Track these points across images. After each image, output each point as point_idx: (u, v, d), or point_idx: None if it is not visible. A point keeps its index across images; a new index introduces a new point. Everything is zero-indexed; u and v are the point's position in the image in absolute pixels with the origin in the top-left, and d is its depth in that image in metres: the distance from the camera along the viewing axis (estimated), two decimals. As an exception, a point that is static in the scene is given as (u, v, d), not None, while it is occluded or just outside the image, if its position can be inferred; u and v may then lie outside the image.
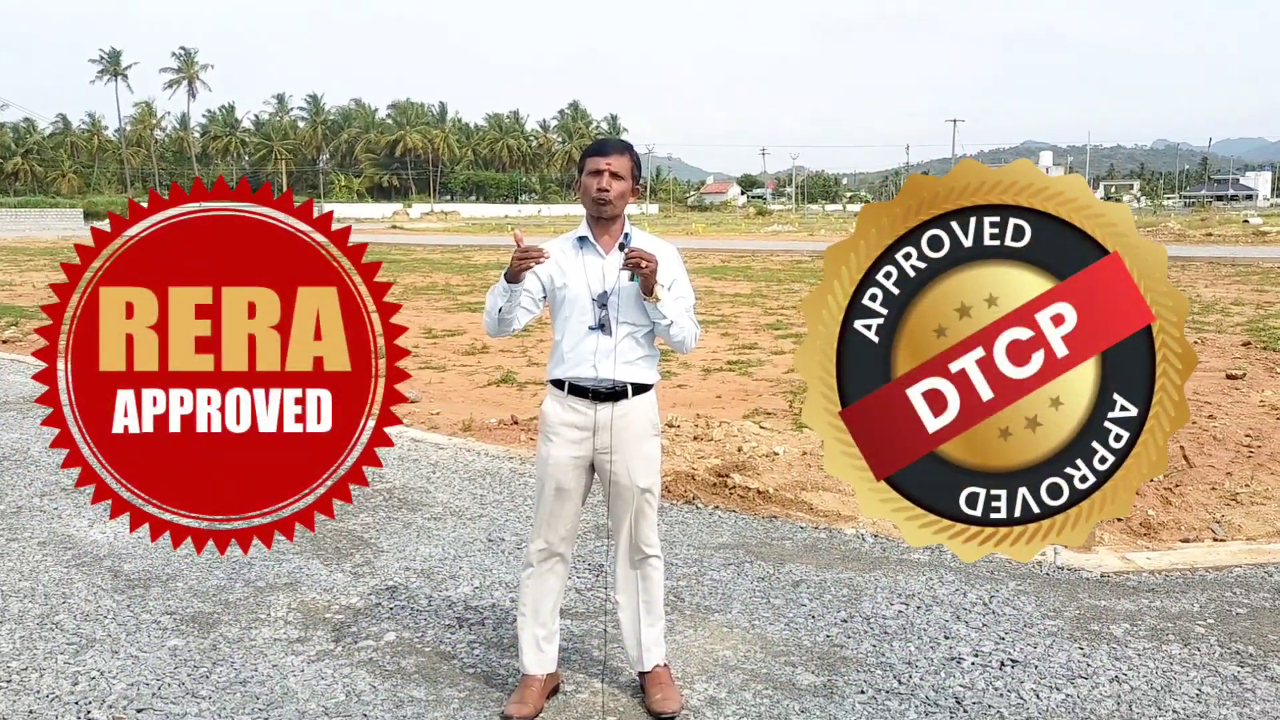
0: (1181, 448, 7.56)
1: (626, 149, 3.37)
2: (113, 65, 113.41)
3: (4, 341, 13.88)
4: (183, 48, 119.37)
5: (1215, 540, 5.58)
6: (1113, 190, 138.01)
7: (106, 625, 4.18)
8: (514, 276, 3.26)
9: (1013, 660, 3.83)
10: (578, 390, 3.36)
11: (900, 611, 4.32)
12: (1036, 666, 3.78)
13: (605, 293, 3.31)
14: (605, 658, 3.85)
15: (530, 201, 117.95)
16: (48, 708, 3.47)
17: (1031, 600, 4.45)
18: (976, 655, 3.87)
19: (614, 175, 3.30)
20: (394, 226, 71.03)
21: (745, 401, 9.46)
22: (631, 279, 3.25)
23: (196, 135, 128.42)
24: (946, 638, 4.04)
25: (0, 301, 19.17)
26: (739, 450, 7.47)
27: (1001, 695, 3.55)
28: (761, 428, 8.38)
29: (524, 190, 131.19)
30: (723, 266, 28.14)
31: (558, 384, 3.40)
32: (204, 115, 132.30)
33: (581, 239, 3.40)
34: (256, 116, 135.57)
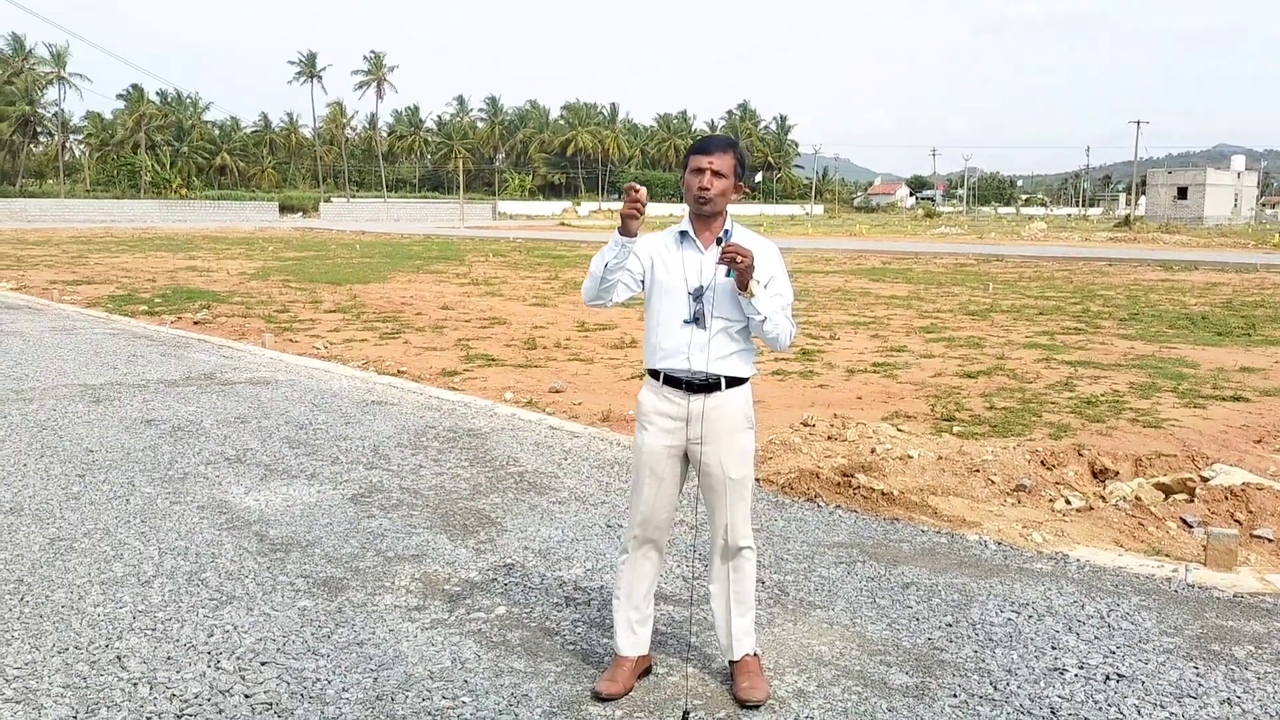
0: (1353, 469, 7.05)
1: (730, 147, 3.44)
2: (309, 67, 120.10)
3: (196, 323, 14.99)
4: (373, 51, 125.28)
5: (1375, 568, 5.21)
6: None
7: (246, 584, 4.54)
8: (627, 229, 3.31)
9: (1119, 675, 3.71)
10: (672, 381, 3.46)
11: (1010, 620, 4.23)
12: (1144, 683, 3.65)
13: (702, 287, 3.39)
14: (688, 645, 3.93)
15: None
16: (183, 655, 3.81)
17: (1153, 616, 4.28)
18: (1081, 667, 3.77)
19: (715, 174, 3.38)
20: (562, 224, 72.72)
21: (886, 404, 9.34)
22: (728, 274, 3.32)
23: (384, 134, 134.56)
24: (1053, 648, 3.95)
25: (197, 286, 20.69)
26: (871, 452, 7.39)
27: (1100, 709, 3.45)
28: (899, 430, 8.27)
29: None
30: (882, 268, 27.66)
31: (654, 374, 3.51)
32: (391, 115, 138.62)
33: (683, 234, 3.49)
34: (439, 117, 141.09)
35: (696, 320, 3.39)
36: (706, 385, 3.43)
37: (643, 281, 3.53)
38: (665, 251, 3.49)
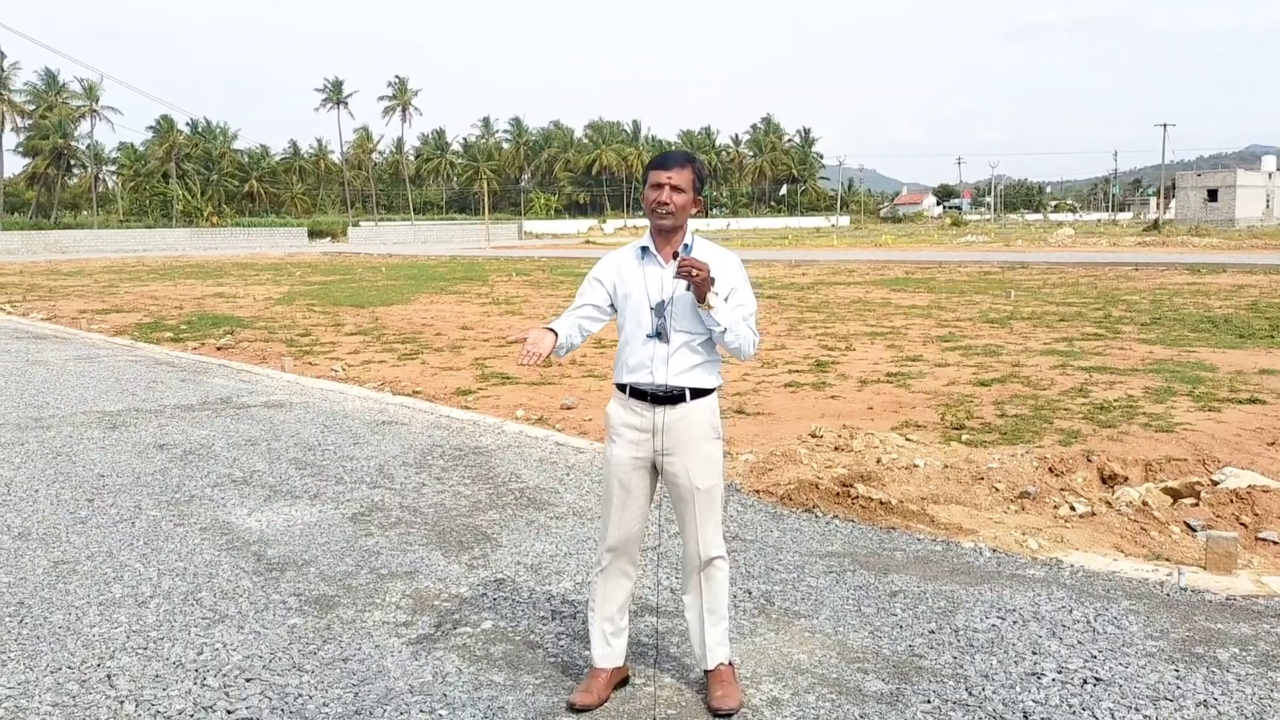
0: (1363, 469, 6.96)
1: (689, 162, 3.49)
2: (335, 94, 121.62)
3: (219, 348, 15.20)
4: (397, 76, 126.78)
5: (1376, 568, 5.14)
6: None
7: (239, 603, 4.62)
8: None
9: (1097, 678, 3.69)
10: (638, 394, 3.50)
11: (994, 626, 4.23)
12: (1121, 686, 3.63)
13: (663, 301, 3.44)
14: (657, 656, 3.96)
15: (720, 216, 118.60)
16: (171, 672, 3.89)
17: (1140, 620, 4.26)
18: (1060, 671, 3.76)
19: (675, 189, 3.43)
20: (587, 241, 73.00)
21: (897, 413, 9.32)
22: (687, 288, 3.36)
23: (410, 158, 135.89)
24: (1034, 653, 3.94)
25: (223, 312, 20.98)
26: (877, 461, 7.38)
27: (1074, 713, 3.45)
28: (907, 439, 8.24)
29: (714, 205, 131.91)
30: (905, 278, 27.55)
31: (620, 387, 3.56)
32: (418, 139, 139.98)
33: (644, 249, 3.54)
34: (465, 139, 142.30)
35: (659, 335, 3.44)
36: (671, 397, 3.47)
37: (611, 306, 3.58)
38: (627, 268, 3.55)
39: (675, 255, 3.45)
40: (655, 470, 3.58)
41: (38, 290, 29.61)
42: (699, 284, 3.30)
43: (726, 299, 3.43)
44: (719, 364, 3.59)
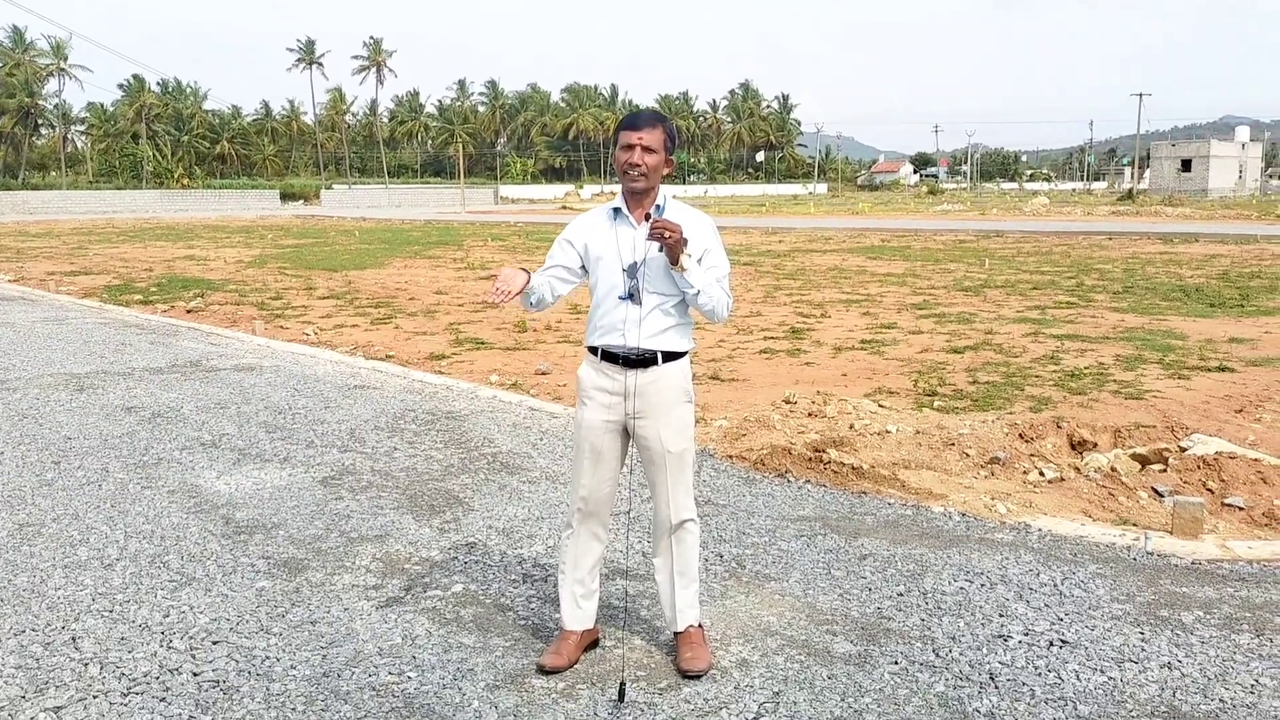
0: (1328, 436, 7.05)
1: (659, 122, 3.45)
2: (308, 54, 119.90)
3: (189, 311, 15.04)
4: (371, 37, 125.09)
5: (1338, 533, 5.22)
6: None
7: (207, 566, 4.58)
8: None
9: (1063, 641, 3.73)
10: (610, 356, 3.48)
11: (962, 589, 4.26)
12: (1087, 649, 3.67)
13: (635, 263, 3.40)
14: (625, 617, 3.97)
15: (698, 182, 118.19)
16: (136, 635, 3.86)
17: (1107, 584, 4.30)
18: (1026, 634, 3.79)
19: (646, 149, 3.38)
20: (564, 207, 72.59)
21: (871, 380, 9.35)
22: (660, 249, 3.33)
23: (384, 120, 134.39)
24: (1001, 615, 3.97)
25: (193, 275, 20.74)
26: (850, 427, 7.40)
27: (1040, 674, 3.48)
28: (880, 406, 8.27)
29: (692, 171, 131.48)
30: (881, 246, 27.58)
31: (592, 350, 3.53)
32: (392, 101, 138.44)
33: (615, 210, 3.50)
34: (440, 102, 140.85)
35: (631, 297, 3.41)
36: (643, 360, 3.44)
37: (582, 268, 3.55)
38: (599, 230, 3.50)
39: (647, 217, 3.40)
40: (626, 433, 3.56)
41: (4, 251, 29.15)
42: (671, 245, 3.26)
43: (700, 261, 3.39)
44: (691, 327, 3.56)
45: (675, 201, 3.51)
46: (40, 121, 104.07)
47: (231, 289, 17.89)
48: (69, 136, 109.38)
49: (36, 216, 59.85)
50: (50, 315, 14.32)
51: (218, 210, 70.18)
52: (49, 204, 69.46)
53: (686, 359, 3.54)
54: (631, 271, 3.40)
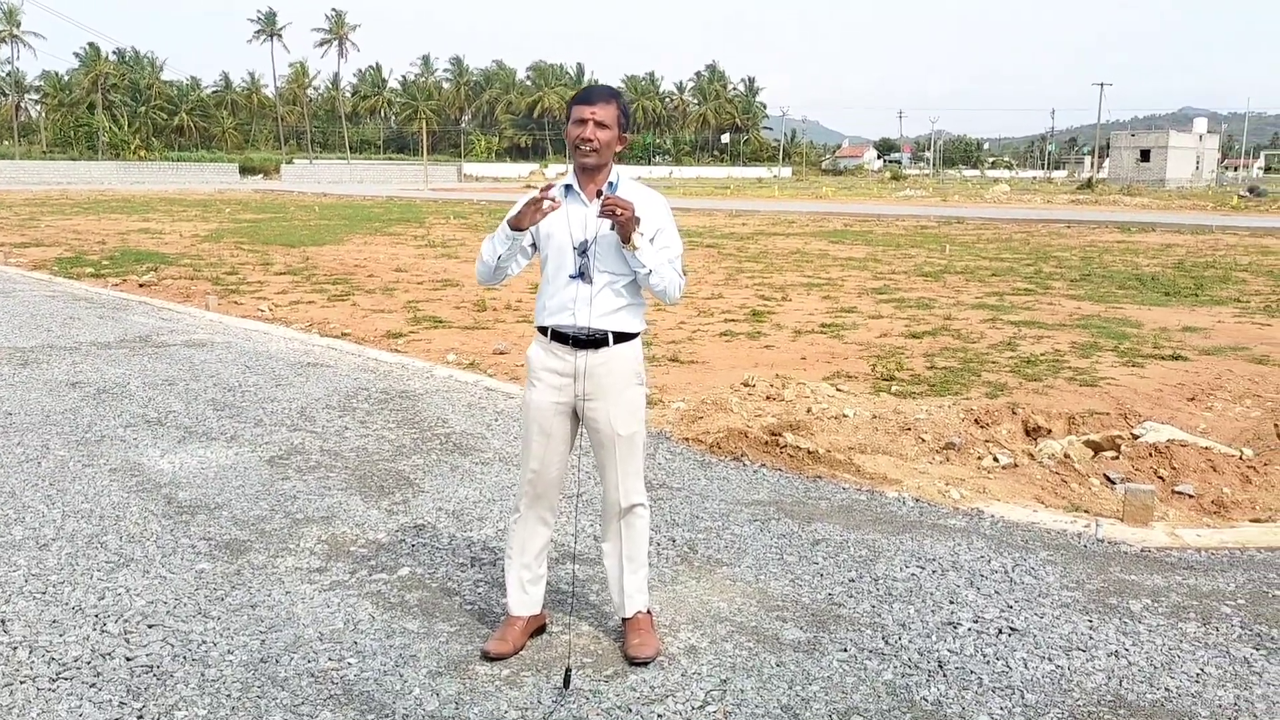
0: (1276, 425, 7.13)
1: (614, 97, 3.36)
2: (268, 26, 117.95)
3: (141, 285, 14.74)
4: (334, 9, 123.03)
5: (1284, 522, 5.26)
6: (1276, 161, 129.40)
7: (146, 547, 4.46)
8: (519, 224, 3.30)
9: (1012, 628, 3.72)
10: (560, 337, 3.40)
11: (913, 575, 4.24)
12: (1035, 636, 3.66)
13: (586, 241, 3.32)
14: (571, 603, 3.91)
15: (663, 163, 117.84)
16: (69, 618, 3.74)
17: (1056, 571, 4.30)
18: (976, 621, 3.78)
19: (599, 124, 3.30)
20: (528, 186, 72.12)
21: (830, 364, 9.34)
22: (611, 228, 3.25)
23: (347, 95, 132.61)
24: (951, 602, 3.95)
25: (147, 248, 20.34)
26: (808, 411, 7.38)
27: (988, 662, 3.46)
28: (838, 390, 8.26)
29: (657, 152, 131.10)
30: (844, 230, 27.65)
31: (542, 330, 3.45)
32: (354, 75, 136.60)
33: (567, 187, 3.41)
34: (403, 77, 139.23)
35: (581, 275, 3.33)
36: (593, 341, 3.37)
37: (534, 245, 3.46)
38: (550, 206, 3.42)
39: (599, 194, 3.32)
40: (576, 416, 3.49)
41: (-48, 222, 28.45)
42: (623, 223, 3.19)
43: (652, 240, 3.32)
44: (644, 308, 3.49)
45: (628, 179, 3.43)
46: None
47: (186, 263, 17.57)
48: (22, 105, 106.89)
49: (-13, 186, 58.50)
50: (-4, 287, 13.97)
51: (175, 183, 69.05)
52: (0, 174, 67.96)
53: (638, 340, 3.47)
54: (582, 249, 3.32)
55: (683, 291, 3.46)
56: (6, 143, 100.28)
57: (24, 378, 7.95)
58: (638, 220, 3.23)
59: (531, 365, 3.48)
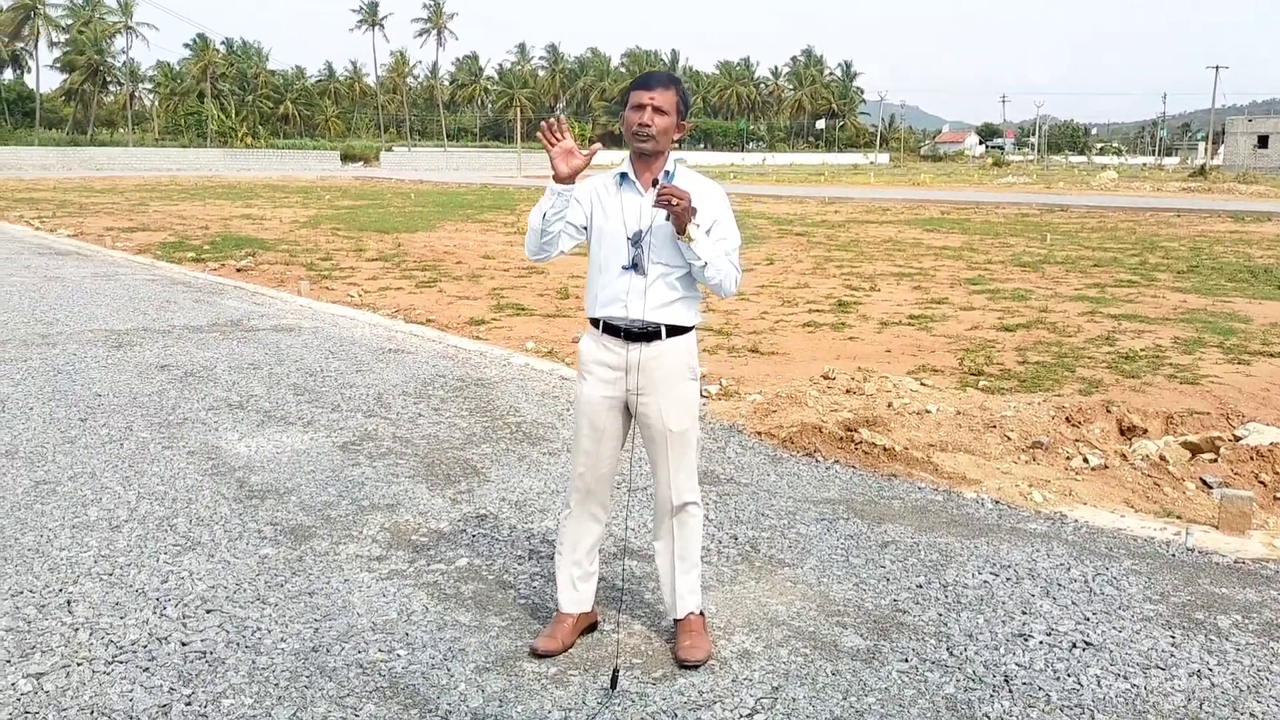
0: (1394, 430, 6.67)
1: (673, 83, 3.25)
2: (370, 15, 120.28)
3: (239, 270, 15.13)
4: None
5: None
6: None
7: (214, 531, 4.52)
8: (558, 172, 3.17)
9: (1087, 643, 3.51)
10: (611, 329, 3.31)
11: (985, 582, 4.05)
12: (1112, 652, 3.45)
13: (640, 231, 3.23)
14: (623, 602, 3.82)
15: (757, 150, 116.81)
16: (131, 600, 3.80)
17: (1140, 581, 4.07)
18: (1049, 634, 3.58)
19: (657, 110, 3.20)
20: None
21: (915, 357, 9.08)
22: (666, 218, 3.15)
23: (445, 83, 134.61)
24: (1024, 613, 3.76)
25: (248, 234, 20.90)
26: (888, 406, 7.18)
27: (1058, 678, 3.27)
28: (922, 384, 8.03)
29: (751, 138, 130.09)
30: (940, 219, 26.99)
31: (594, 322, 3.37)
32: (452, 64, 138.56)
33: (622, 175, 3.32)
34: (500, 65, 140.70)
35: (635, 266, 3.23)
36: (645, 334, 3.27)
37: (585, 228, 3.37)
38: (605, 195, 3.33)
39: (655, 183, 3.22)
40: (628, 411, 3.40)
41: (68, 206, 29.68)
42: (679, 214, 3.08)
43: (709, 231, 3.21)
44: (699, 300, 3.38)
45: (684, 168, 3.32)
46: (109, 79, 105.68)
47: (284, 249, 17.99)
48: (136, 94, 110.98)
49: (103, 173, 60.92)
50: (101, 271, 14.48)
51: (279, 170, 70.97)
52: (115, 160, 70.78)
53: (692, 334, 3.37)
54: (636, 240, 3.23)
55: (738, 285, 3.34)
56: (121, 130, 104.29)
57: (116, 360, 8.19)
58: (694, 211, 3.12)
59: (583, 358, 3.41)
